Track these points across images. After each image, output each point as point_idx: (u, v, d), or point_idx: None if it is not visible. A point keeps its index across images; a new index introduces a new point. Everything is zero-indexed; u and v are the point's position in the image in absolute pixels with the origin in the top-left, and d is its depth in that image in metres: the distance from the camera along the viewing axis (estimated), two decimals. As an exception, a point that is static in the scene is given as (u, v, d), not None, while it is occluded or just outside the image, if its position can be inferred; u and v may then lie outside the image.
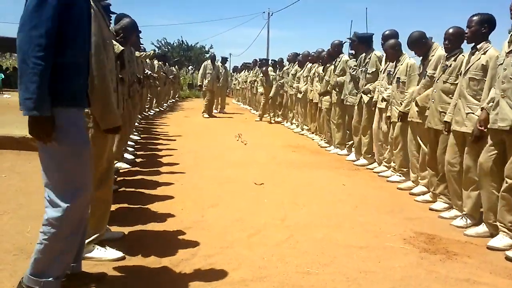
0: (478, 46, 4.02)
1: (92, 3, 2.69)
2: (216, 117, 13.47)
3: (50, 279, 2.28)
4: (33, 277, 2.28)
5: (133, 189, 4.82)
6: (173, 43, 40.61)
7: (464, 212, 4.04)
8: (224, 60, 16.13)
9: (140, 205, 4.25)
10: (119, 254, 3.01)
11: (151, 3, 75.51)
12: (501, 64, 3.55)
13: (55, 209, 2.23)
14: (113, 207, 4.01)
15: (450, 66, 4.37)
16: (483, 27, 3.98)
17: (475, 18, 4.01)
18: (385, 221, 4.11)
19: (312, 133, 9.66)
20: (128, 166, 5.83)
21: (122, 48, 4.14)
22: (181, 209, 4.18)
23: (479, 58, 3.97)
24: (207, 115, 13.52)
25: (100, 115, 2.71)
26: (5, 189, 4.48)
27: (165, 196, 4.60)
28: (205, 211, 4.18)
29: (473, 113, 3.91)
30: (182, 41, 40.68)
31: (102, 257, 2.95)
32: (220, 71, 14.70)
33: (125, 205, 4.22)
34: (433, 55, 4.86)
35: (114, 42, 4.08)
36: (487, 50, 3.94)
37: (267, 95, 12.55)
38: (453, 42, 4.39)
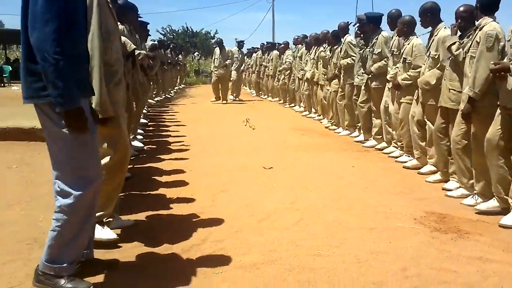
0: (476, 23, 3.98)
1: None
2: (226, 103, 13.39)
3: (64, 264, 2.32)
4: (47, 264, 2.32)
5: (143, 177, 4.85)
6: (178, 30, 40.40)
7: (475, 191, 4.00)
8: (240, 44, 15.28)
9: (150, 192, 4.27)
10: (113, 235, 3.03)
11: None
12: (509, 41, 3.50)
13: (67, 197, 2.26)
14: (124, 195, 4.07)
15: (463, 44, 4.28)
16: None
17: None
18: (395, 202, 4.10)
19: (320, 115, 9.61)
20: (137, 153, 5.84)
21: (134, 47, 4.12)
22: (191, 195, 4.19)
23: (476, 35, 3.92)
24: (213, 99, 13.50)
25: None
26: (17, 180, 4.52)
27: (175, 182, 4.62)
28: (215, 196, 4.19)
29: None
30: (187, 27, 40.44)
31: (96, 237, 2.96)
32: (236, 56, 14.36)
33: (135, 192, 4.25)
34: (436, 35, 4.79)
35: (127, 40, 4.07)
36: (483, 26, 3.88)
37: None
38: (466, 20, 4.30)
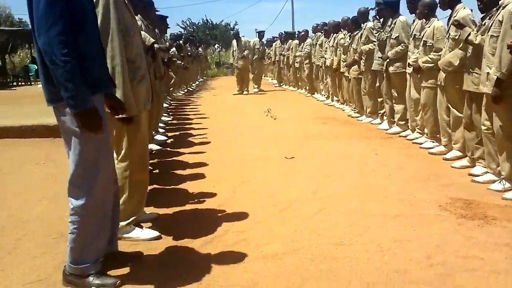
0: (500, 1, 3.84)
1: None
2: (247, 94, 13.37)
3: (87, 264, 2.36)
4: (72, 265, 2.37)
5: (165, 170, 4.90)
6: (198, 23, 40.55)
7: (502, 176, 3.90)
8: (261, 35, 14.91)
9: (173, 186, 4.31)
10: (155, 233, 3.07)
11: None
12: None
13: (78, 198, 2.29)
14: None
15: (484, 25, 4.16)
16: None
17: None
18: (420, 188, 4.03)
19: (342, 103, 9.51)
20: (159, 147, 5.90)
21: (153, 40, 4.13)
22: (213, 187, 4.21)
23: (498, 14, 3.79)
24: (235, 92, 13.49)
25: None
26: (44, 176, 4.63)
27: (197, 175, 4.65)
28: (236, 188, 4.20)
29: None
30: (207, 20, 40.56)
31: (139, 237, 3.02)
32: (258, 47, 14.24)
33: (158, 186, 4.29)
34: (455, 16, 4.66)
35: (145, 34, 4.08)
36: (507, 5, 3.74)
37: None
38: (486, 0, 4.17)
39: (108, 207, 2.41)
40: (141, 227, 3.09)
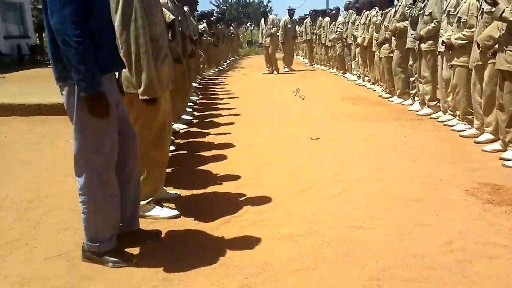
0: None
1: None
2: (277, 73, 13.26)
3: (103, 242, 2.42)
4: (89, 243, 2.43)
5: (189, 150, 4.94)
6: (231, 1, 40.27)
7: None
8: (291, 12, 14.21)
9: (195, 166, 4.34)
10: (175, 212, 3.11)
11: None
12: None
13: (83, 177, 2.32)
14: (169, 169, 4.16)
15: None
16: None
17: None
18: (447, 172, 3.91)
19: (373, 83, 9.30)
20: (186, 126, 5.95)
21: (173, 17, 4.09)
22: (235, 167, 4.22)
23: None
24: (265, 72, 13.40)
25: (136, 84, 2.69)
26: (69, 153, 4.74)
27: (220, 155, 4.66)
28: (259, 168, 4.20)
29: None
30: (240, -3, 40.23)
31: (159, 215, 3.07)
32: (289, 25, 13.86)
33: (181, 166, 4.33)
34: None
35: (165, 11, 4.05)
36: None
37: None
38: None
39: (113, 185, 2.41)
40: (161, 205, 3.14)
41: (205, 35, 8.78)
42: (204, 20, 11.59)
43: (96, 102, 2.16)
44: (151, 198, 3.06)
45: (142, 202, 2.99)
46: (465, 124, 5.33)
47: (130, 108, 2.79)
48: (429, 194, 3.41)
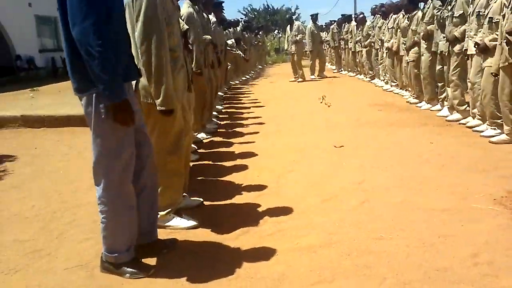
0: None
1: None
2: (303, 81, 13.19)
3: (121, 253, 2.44)
4: (107, 254, 2.46)
5: (212, 159, 4.94)
6: (259, 9, 40.55)
7: None
8: (315, 17, 13.90)
9: (217, 176, 4.34)
10: (193, 222, 3.11)
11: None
12: None
13: (101, 186, 2.35)
14: (191, 179, 4.17)
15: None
16: None
17: None
18: (475, 180, 3.78)
19: (401, 88, 9.13)
20: (209, 136, 5.97)
21: (187, 27, 4.13)
22: (257, 176, 4.20)
23: None
24: (292, 79, 13.35)
25: (155, 94, 2.72)
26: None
27: (242, 165, 4.65)
28: (280, 177, 4.16)
29: None
30: (267, 5, 40.45)
31: (178, 225, 3.07)
32: (315, 31, 13.70)
33: (203, 176, 4.34)
34: None
35: (179, 21, 4.09)
36: None
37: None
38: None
39: (131, 196, 2.43)
40: (180, 215, 3.15)
41: (233, 49, 8.82)
42: (230, 29, 11.64)
43: (121, 110, 2.20)
44: (170, 209, 3.07)
45: (161, 213, 3.01)
46: (494, 129, 5.15)
47: (148, 118, 2.84)
48: (455, 203, 3.30)
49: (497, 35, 4.85)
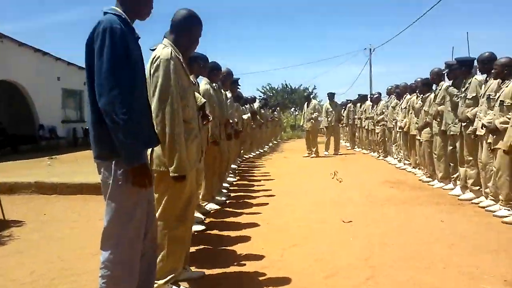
0: None
1: (172, 53, 2.89)
2: (316, 156, 13.29)
3: None
4: None
5: (218, 229, 4.91)
6: (277, 87, 41.85)
7: None
8: (331, 96, 14.52)
9: (222, 246, 4.30)
10: None
11: (254, 50, 79.71)
12: None
13: (108, 252, 2.36)
14: (195, 248, 4.16)
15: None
16: None
17: None
18: (485, 260, 3.66)
19: (414, 167, 9.12)
20: (218, 207, 5.97)
21: (204, 100, 4.34)
22: (262, 249, 4.14)
23: None
24: (305, 155, 13.47)
25: (168, 163, 2.83)
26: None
27: (248, 236, 4.60)
28: (285, 251, 4.09)
29: None
30: (286, 84, 41.81)
31: None
32: (330, 109, 14.13)
33: (207, 245, 4.30)
34: None
35: (197, 95, 4.31)
36: None
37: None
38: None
39: (136, 262, 2.43)
40: (179, 286, 3.09)
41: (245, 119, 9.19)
42: (246, 105, 12.02)
43: (141, 173, 2.29)
44: (169, 277, 3.03)
45: (160, 282, 2.97)
46: (508, 210, 5.05)
47: (159, 185, 2.94)
48: (463, 284, 3.19)
49: (508, 118, 4.92)
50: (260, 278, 3.41)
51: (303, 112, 14.12)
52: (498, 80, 5.36)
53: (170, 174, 2.84)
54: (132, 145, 2.23)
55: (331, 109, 14.24)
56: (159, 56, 2.87)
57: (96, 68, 2.24)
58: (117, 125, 2.19)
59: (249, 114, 9.79)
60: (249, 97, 13.44)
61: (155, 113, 2.78)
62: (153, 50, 3.02)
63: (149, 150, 2.84)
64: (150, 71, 2.88)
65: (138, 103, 2.37)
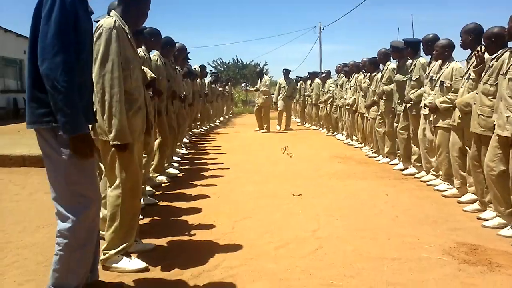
0: None
1: (116, 23, 2.81)
2: (266, 132, 13.38)
3: None
4: None
5: (170, 202, 4.88)
6: (229, 62, 41.52)
7: (512, 221, 3.71)
8: (287, 72, 14.54)
9: (174, 218, 4.29)
10: (143, 264, 3.03)
11: (205, 24, 78.51)
12: None
13: (66, 221, 2.29)
14: (147, 220, 4.13)
15: (492, 66, 4.09)
16: None
17: None
18: (425, 232, 3.87)
19: (361, 143, 9.41)
20: (169, 179, 5.92)
21: (154, 76, 4.23)
22: (213, 221, 4.16)
23: None
24: (256, 129, 13.54)
25: (106, 130, 2.76)
26: (46, 205, 4.68)
27: (199, 208, 4.62)
28: (236, 223, 4.14)
29: None
30: (237, 59, 41.54)
31: (126, 267, 2.99)
32: (284, 85, 14.20)
33: (159, 218, 4.27)
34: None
35: (147, 70, 4.19)
36: None
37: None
38: (495, 42, 4.13)
39: (94, 231, 2.40)
40: (130, 256, 3.06)
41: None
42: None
43: (81, 143, 2.21)
44: (120, 248, 2.98)
45: (111, 252, 2.94)
46: (447, 184, 5.34)
47: (105, 155, 2.89)
48: (405, 253, 3.36)
49: (448, 98, 5.13)
50: (212, 249, 3.44)
51: (255, 88, 14.09)
52: (439, 61, 5.57)
53: (110, 142, 2.78)
54: (73, 114, 2.15)
55: (284, 85, 14.33)
56: (102, 25, 2.83)
57: (42, 33, 2.14)
58: (58, 92, 2.11)
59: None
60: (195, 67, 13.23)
61: (95, 80, 2.72)
62: (98, 22, 2.93)
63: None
64: (93, 40, 2.77)
65: (81, 75, 2.29)
